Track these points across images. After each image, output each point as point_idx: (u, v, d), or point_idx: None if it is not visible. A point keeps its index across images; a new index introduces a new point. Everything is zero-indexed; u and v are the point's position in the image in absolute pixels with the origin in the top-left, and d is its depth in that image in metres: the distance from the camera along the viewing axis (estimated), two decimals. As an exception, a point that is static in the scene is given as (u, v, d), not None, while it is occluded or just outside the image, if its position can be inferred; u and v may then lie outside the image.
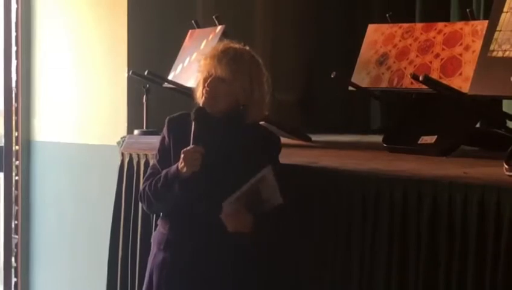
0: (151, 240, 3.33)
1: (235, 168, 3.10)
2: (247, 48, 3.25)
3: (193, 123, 3.11)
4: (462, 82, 3.68)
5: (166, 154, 3.23)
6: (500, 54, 3.37)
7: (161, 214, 3.33)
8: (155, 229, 3.40)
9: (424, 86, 3.68)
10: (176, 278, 3.18)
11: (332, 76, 4.15)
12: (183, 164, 3.07)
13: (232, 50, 3.18)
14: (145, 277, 3.33)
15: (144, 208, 3.39)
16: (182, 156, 3.07)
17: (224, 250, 3.13)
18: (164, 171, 3.15)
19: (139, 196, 3.30)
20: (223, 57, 3.14)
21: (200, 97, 3.18)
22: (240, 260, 3.15)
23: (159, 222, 3.32)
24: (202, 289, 3.16)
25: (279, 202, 3.06)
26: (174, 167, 3.12)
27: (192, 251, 3.15)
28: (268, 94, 3.23)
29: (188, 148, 3.08)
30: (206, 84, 3.15)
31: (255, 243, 3.15)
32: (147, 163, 3.95)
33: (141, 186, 3.28)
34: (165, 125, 3.28)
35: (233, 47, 3.21)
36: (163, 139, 3.27)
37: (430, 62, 3.90)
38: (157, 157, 3.29)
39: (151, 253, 3.31)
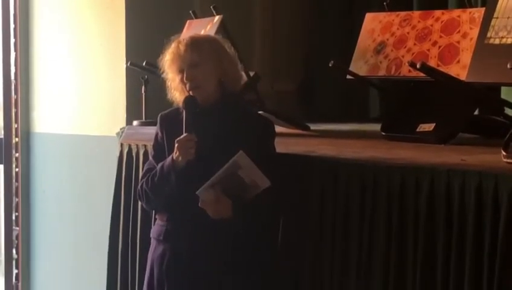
0: (151, 235, 3.33)
1: (229, 154, 3.09)
2: None
3: (184, 112, 3.12)
4: (460, 69, 3.67)
5: (161, 151, 3.24)
6: (497, 41, 3.36)
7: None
8: (154, 221, 3.40)
9: (422, 74, 3.67)
10: (177, 269, 3.19)
11: (330, 65, 4.15)
12: (177, 153, 3.08)
13: (185, 39, 3.24)
14: (145, 266, 3.34)
15: (143, 205, 3.40)
16: (176, 145, 3.08)
17: (223, 238, 3.14)
18: (159, 165, 3.16)
19: (137, 194, 3.30)
20: (182, 48, 3.19)
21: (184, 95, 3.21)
22: (238, 248, 3.15)
23: (157, 215, 3.33)
24: (203, 278, 3.16)
25: (267, 185, 3.05)
26: (169, 159, 3.12)
27: (191, 240, 3.16)
28: (237, 61, 3.28)
29: (181, 137, 3.09)
30: (184, 79, 3.16)
31: (242, 226, 3.14)
32: (146, 153, 3.96)
33: (139, 185, 3.28)
34: (158, 122, 3.30)
35: (183, 38, 3.27)
36: (156, 135, 3.29)
37: (428, 50, 3.89)
38: (153, 153, 3.30)
39: (150, 247, 3.31)
